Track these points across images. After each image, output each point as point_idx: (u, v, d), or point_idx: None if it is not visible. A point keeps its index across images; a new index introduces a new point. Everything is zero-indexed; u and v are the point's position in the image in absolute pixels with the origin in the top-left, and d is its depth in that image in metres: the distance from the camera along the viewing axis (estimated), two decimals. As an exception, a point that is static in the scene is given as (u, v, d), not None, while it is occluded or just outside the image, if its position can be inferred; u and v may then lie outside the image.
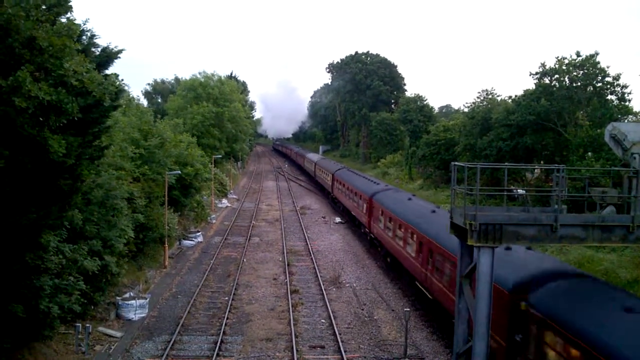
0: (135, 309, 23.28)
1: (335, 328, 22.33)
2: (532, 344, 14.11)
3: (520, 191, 43.20)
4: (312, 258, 34.43)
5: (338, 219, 48.92)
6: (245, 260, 33.91)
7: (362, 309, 25.13)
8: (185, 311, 24.04)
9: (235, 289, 27.65)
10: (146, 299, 24.25)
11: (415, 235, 25.27)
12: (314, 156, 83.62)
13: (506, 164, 32.05)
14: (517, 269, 16.16)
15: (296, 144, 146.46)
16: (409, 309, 22.41)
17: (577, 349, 12.13)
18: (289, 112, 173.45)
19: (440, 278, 21.21)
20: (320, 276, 30.10)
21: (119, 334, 21.44)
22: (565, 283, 14.74)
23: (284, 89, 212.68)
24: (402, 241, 27.71)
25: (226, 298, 26.20)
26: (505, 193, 20.90)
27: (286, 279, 29.57)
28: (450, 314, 18.06)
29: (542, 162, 47.12)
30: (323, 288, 27.86)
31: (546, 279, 14.93)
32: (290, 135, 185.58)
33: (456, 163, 14.95)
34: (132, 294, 24.38)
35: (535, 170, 46.34)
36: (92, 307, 21.87)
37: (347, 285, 28.93)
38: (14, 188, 14.34)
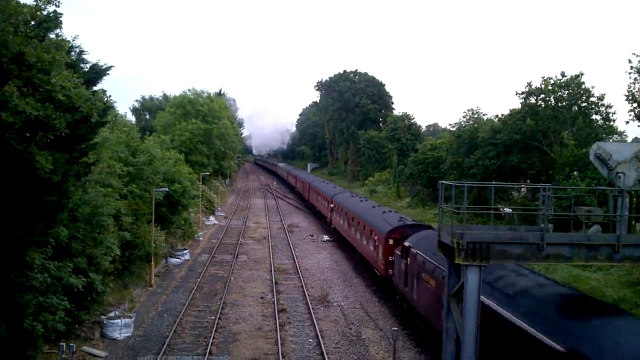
0: (121, 328, 22.91)
1: (323, 348, 22.13)
2: None
3: (507, 210, 43.45)
4: (300, 277, 34.24)
5: (326, 237, 48.78)
6: (232, 278, 33.64)
7: (350, 329, 24.97)
8: (172, 331, 23.73)
9: (222, 308, 27.37)
10: (132, 318, 23.91)
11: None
12: (282, 164, 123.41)
13: (493, 183, 32.32)
14: None
15: (275, 159, 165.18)
16: (397, 329, 22.30)
17: None
18: (266, 123, 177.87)
19: None
20: (308, 295, 29.91)
21: (103, 354, 21.07)
22: None
23: (257, 106, 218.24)
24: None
25: (213, 317, 25.92)
26: (493, 212, 21.01)
27: (274, 297, 29.35)
28: None
29: (528, 181, 47.51)
30: (311, 307, 27.67)
31: None
32: (271, 151, 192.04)
33: (444, 182, 15.04)
34: (117, 313, 24.02)
35: (522, 189, 46.67)
36: (77, 326, 21.50)
37: (335, 304, 28.76)
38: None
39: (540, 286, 15.44)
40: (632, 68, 34.69)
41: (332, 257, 40.89)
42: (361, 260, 36.69)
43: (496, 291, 15.99)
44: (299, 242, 46.72)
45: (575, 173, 40.62)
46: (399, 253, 26.39)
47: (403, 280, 25.15)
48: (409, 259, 24.32)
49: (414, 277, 23.27)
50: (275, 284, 32.13)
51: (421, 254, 22.61)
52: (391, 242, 28.57)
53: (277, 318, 25.73)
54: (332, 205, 48.79)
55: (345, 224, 42.08)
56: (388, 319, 26.46)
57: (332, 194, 50.61)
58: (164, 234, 34.94)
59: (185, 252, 39.18)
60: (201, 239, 46.76)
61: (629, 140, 44.32)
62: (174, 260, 37.20)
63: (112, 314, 23.61)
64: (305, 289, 31.10)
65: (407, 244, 25.14)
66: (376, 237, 31.05)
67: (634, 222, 16.36)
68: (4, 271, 15.71)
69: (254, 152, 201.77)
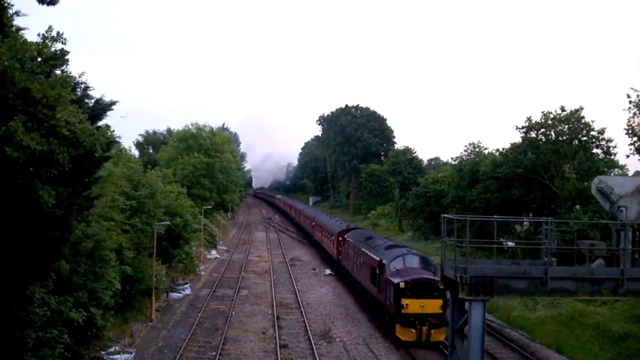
0: (120, 364, 22.60)
1: (325, 384, 21.78)
2: None
3: (510, 243, 43.22)
4: (302, 311, 33.89)
5: (328, 271, 48.48)
6: (233, 313, 33.29)
7: (353, 364, 24.58)
8: (171, 366, 23.40)
9: (223, 343, 27.01)
10: (131, 353, 23.60)
11: None
12: (279, 196, 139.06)
13: (495, 216, 32.28)
14: None
15: (274, 192, 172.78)
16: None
17: None
18: (267, 157, 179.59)
19: None
20: (310, 330, 29.56)
21: (102, 390, 20.75)
22: None
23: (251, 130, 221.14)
24: None
25: (213, 353, 25.56)
26: (495, 245, 20.92)
27: (275, 333, 28.99)
28: None
29: (530, 214, 47.43)
30: (313, 343, 27.30)
31: None
32: (274, 183, 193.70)
33: (446, 215, 15.04)
34: (117, 348, 23.73)
35: (524, 222, 46.53)
36: (76, 362, 21.22)
37: (338, 339, 28.39)
38: (1, 238, 14.18)
39: (381, 240, 37.12)
40: (630, 103, 35.04)
41: (335, 291, 40.54)
42: (329, 258, 52.43)
43: (369, 245, 35.46)
44: (300, 276, 46.40)
45: (577, 206, 40.59)
46: (342, 243, 44.33)
47: (344, 258, 43.10)
48: (345, 244, 43.10)
49: (346, 253, 41.79)
50: (277, 318, 31.79)
51: (349, 239, 41.70)
52: (340, 238, 45.62)
53: (279, 354, 25.37)
54: (313, 223, 65.28)
55: (320, 234, 59.12)
56: (391, 355, 26.07)
57: (314, 215, 69.11)
58: (164, 268, 34.74)
59: (186, 286, 38.88)
60: (202, 272, 46.44)
61: (630, 173, 44.36)
62: (174, 295, 36.89)
63: (112, 349, 23.34)
64: (307, 324, 30.75)
65: (345, 236, 44.01)
66: (332, 237, 49.32)
67: (637, 256, 16.30)
68: (4, 305, 15.61)
69: (254, 184, 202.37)
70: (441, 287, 25.89)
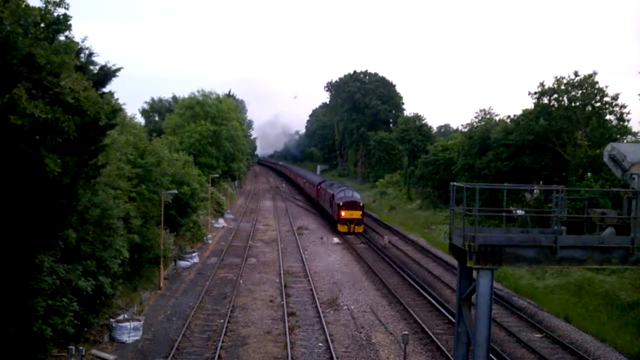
0: (129, 331, 22.81)
1: (333, 352, 21.93)
2: None
3: (520, 212, 43.00)
4: (309, 279, 34.08)
5: (336, 240, 48.64)
6: (241, 281, 33.54)
7: (360, 332, 24.75)
8: (180, 334, 23.61)
9: (231, 311, 27.25)
10: (140, 321, 23.82)
11: None
12: (281, 162, 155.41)
13: (505, 184, 32.01)
14: None
15: (276, 159, 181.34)
16: (407, 332, 22.10)
17: None
18: (273, 124, 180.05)
19: None
20: (318, 298, 29.74)
21: (112, 357, 21.00)
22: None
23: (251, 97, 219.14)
24: None
25: (222, 320, 25.81)
26: (505, 214, 20.73)
27: (283, 301, 29.19)
28: None
29: (541, 182, 47.05)
30: (320, 310, 27.48)
31: None
32: (283, 150, 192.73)
33: (455, 183, 14.79)
34: (126, 315, 23.94)
35: (535, 190, 46.20)
36: (86, 330, 21.44)
37: (345, 307, 28.57)
38: (9, 207, 14.16)
39: (337, 184, 64.40)
40: (645, 68, 34.18)
41: (342, 260, 40.70)
42: (311, 200, 77.34)
43: (330, 187, 61.74)
44: (308, 245, 46.60)
45: (589, 174, 40.17)
46: (319, 189, 67.88)
47: (319, 198, 67.18)
48: (320, 190, 66.99)
49: (320, 195, 67.02)
50: (285, 287, 31.99)
51: (322, 186, 66.52)
52: (318, 186, 69.16)
53: (286, 321, 25.57)
54: (304, 180, 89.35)
55: (307, 186, 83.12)
56: (398, 323, 26.23)
57: (304, 174, 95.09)
58: (172, 237, 34.88)
59: (194, 254, 39.13)
60: (210, 241, 46.73)
61: (643, 141, 43.72)
62: (182, 263, 37.17)
63: (121, 317, 23.55)
64: (314, 292, 30.93)
65: (320, 185, 68.25)
66: (313, 186, 74.24)
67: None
68: (14, 274, 15.69)
69: (258, 153, 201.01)
70: (362, 204, 53.71)
